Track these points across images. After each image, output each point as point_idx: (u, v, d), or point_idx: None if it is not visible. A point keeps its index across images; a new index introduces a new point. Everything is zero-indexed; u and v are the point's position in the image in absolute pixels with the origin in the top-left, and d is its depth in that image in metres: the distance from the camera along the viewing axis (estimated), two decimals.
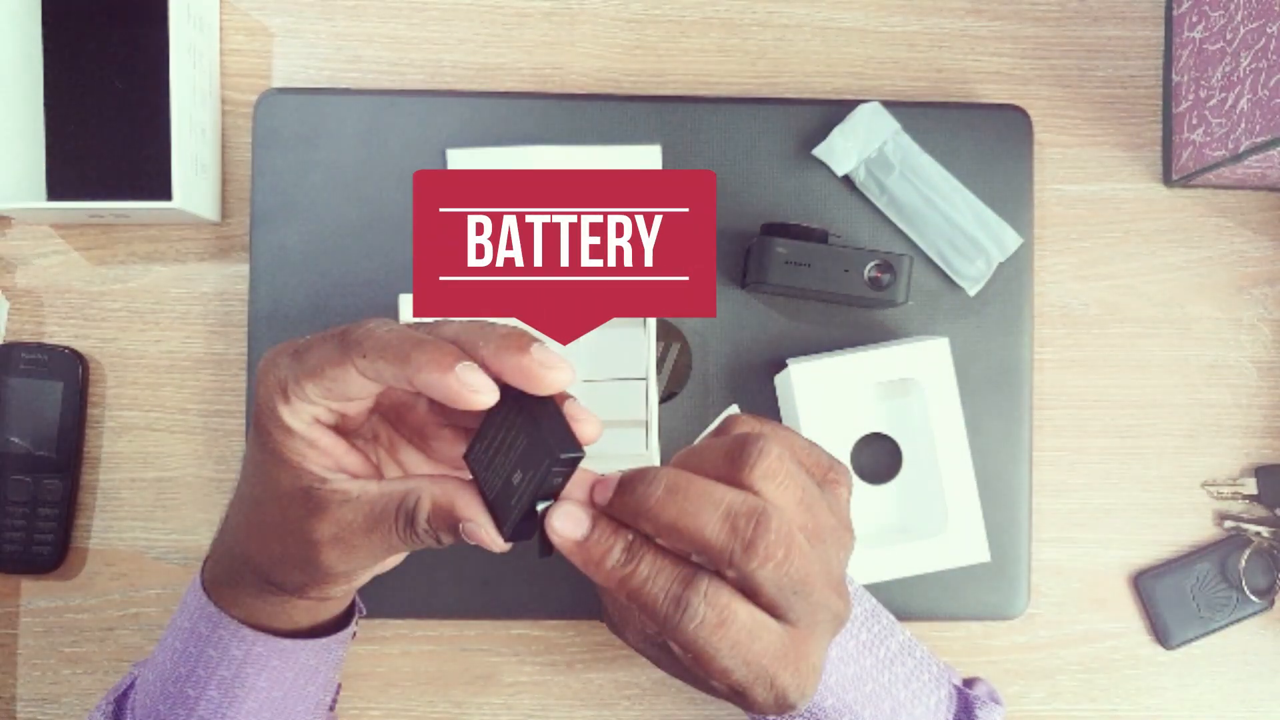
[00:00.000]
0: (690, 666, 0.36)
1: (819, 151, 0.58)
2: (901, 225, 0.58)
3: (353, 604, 0.46)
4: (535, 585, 0.57)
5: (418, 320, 0.37)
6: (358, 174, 0.57)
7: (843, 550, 0.37)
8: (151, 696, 0.43)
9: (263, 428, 0.36)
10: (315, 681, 0.44)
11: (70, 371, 0.57)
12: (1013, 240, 0.58)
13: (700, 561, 0.34)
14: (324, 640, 0.43)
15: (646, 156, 0.58)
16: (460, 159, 0.57)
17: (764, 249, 0.54)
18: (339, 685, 0.48)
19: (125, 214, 0.56)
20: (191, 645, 0.41)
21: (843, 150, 0.57)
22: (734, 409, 0.55)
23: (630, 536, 0.34)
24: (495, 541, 0.35)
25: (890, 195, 0.58)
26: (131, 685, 0.46)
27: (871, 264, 0.54)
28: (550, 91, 0.60)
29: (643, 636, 0.40)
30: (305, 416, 0.36)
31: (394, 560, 0.42)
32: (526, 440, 0.33)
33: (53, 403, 0.57)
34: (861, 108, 0.57)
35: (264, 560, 0.38)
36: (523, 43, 0.60)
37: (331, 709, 0.48)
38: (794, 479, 0.34)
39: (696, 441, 0.43)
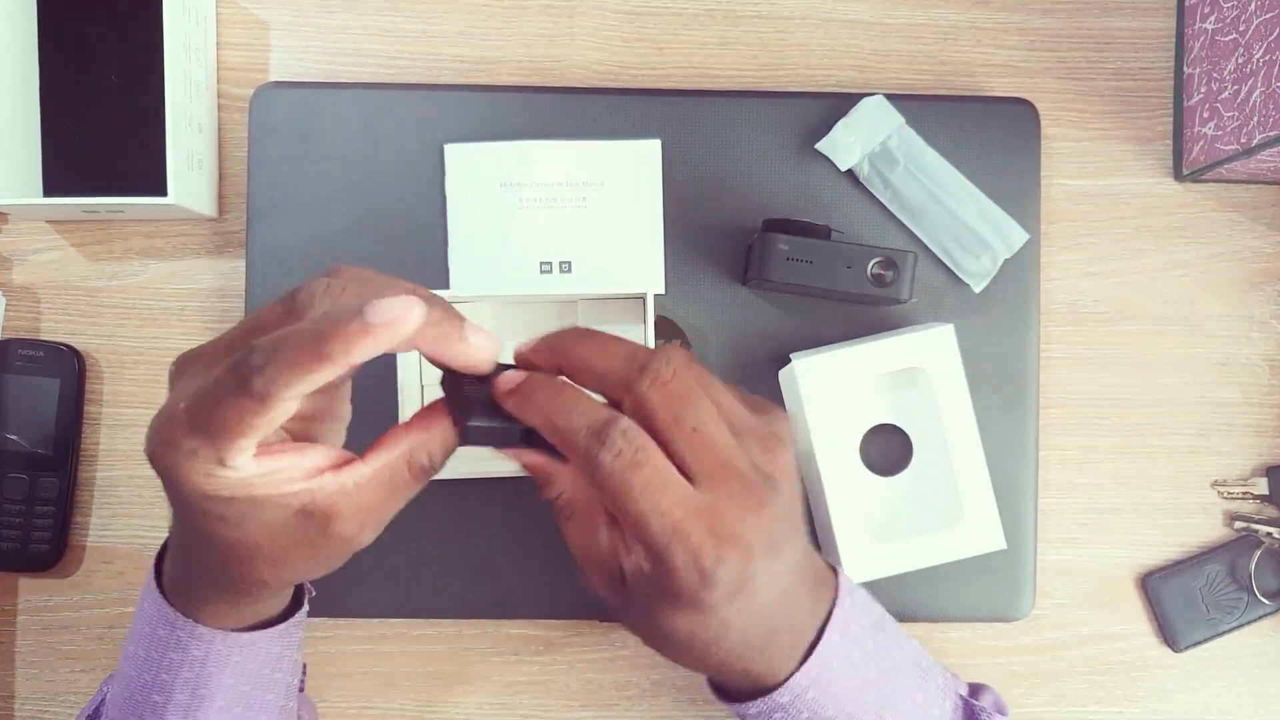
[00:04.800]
0: (617, 518, 0.37)
1: (822, 146, 0.57)
2: (905, 221, 0.57)
3: (300, 585, 0.46)
4: (535, 585, 0.57)
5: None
6: (355, 168, 0.57)
7: (764, 443, 0.38)
8: (121, 709, 0.43)
9: (209, 496, 0.34)
10: (281, 669, 0.43)
11: (67, 368, 0.57)
12: (1019, 236, 0.57)
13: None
14: (281, 627, 0.43)
15: (646, 151, 0.57)
16: (457, 153, 0.57)
17: (765, 245, 0.53)
18: (304, 666, 0.48)
19: (121, 210, 0.55)
20: (153, 650, 0.41)
21: (846, 144, 0.56)
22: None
23: (557, 379, 0.38)
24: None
25: (894, 190, 0.57)
26: (102, 702, 0.46)
27: (875, 261, 0.53)
28: (549, 85, 0.59)
29: (606, 575, 0.39)
30: (246, 461, 0.33)
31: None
32: None
33: (49, 400, 0.57)
34: (865, 101, 0.56)
35: (283, 578, 0.38)
36: (521, 36, 0.60)
37: (300, 690, 0.48)
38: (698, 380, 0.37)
39: None
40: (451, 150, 0.57)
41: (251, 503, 0.34)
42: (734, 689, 0.44)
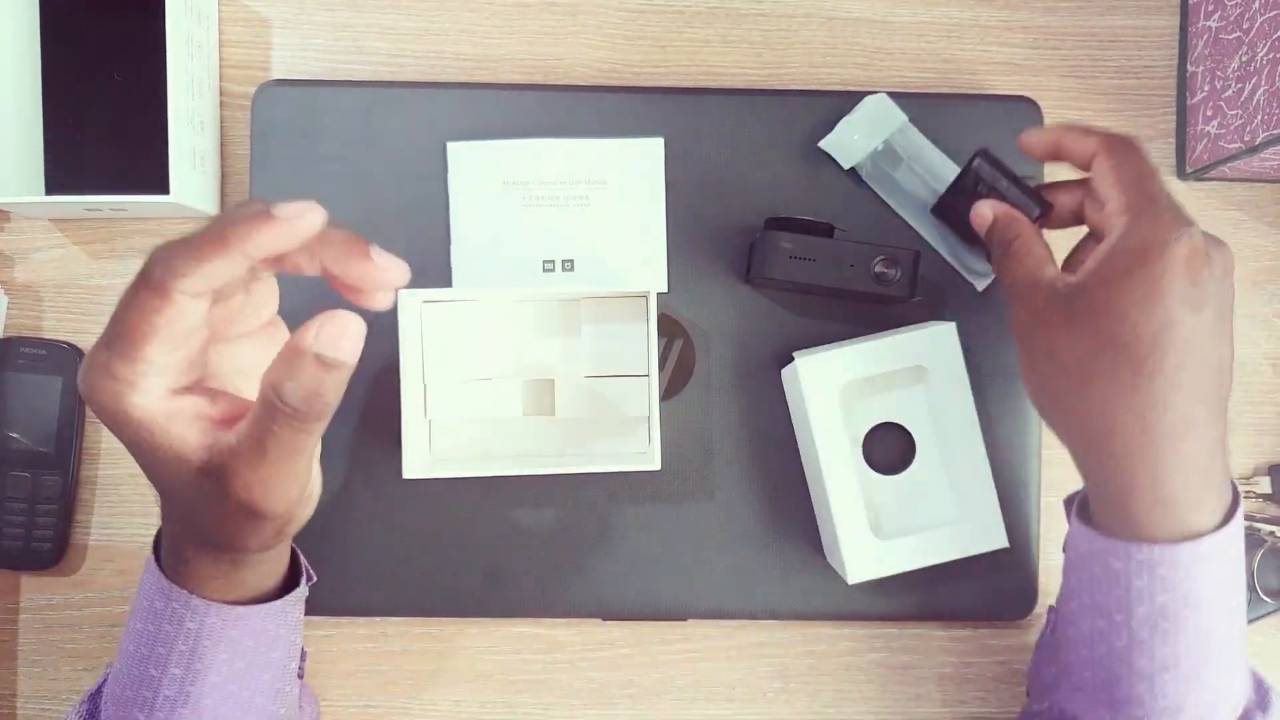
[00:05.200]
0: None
1: (825, 144, 0.57)
2: (909, 219, 0.57)
3: (299, 564, 0.46)
4: (537, 583, 0.57)
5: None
6: (357, 167, 0.57)
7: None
8: (119, 683, 0.42)
9: (131, 434, 0.35)
10: (277, 648, 0.43)
11: (69, 366, 0.57)
12: None
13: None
14: (276, 604, 0.42)
15: (649, 149, 0.57)
16: (460, 152, 0.57)
17: (768, 243, 0.53)
18: (304, 651, 0.47)
19: (123, 208, 0.55)
20: (149, 623, 0.41)
21: (849, 143, 0.56)
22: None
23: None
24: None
25: (897, 188, 0.57)
26: (105, 681, 0.46)
27: (878, 259, 0.53)
28: (551, 83, 0.59)
29: (1047, 293, 0.45)
30: (159, 391, 0.34)
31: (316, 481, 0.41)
32: None
33: (52, 398, 0.57)
34: (868, 99, 0.56)
35: (230, 540, 0.38)
36: (524, 33, 0.60)
37: (300, 676, 0.47)
38: None
39: None
40: (454, 148, 0.57)
41: (158, 449, 0.34)
42: (1107, 515, 0.45)
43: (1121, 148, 0.46)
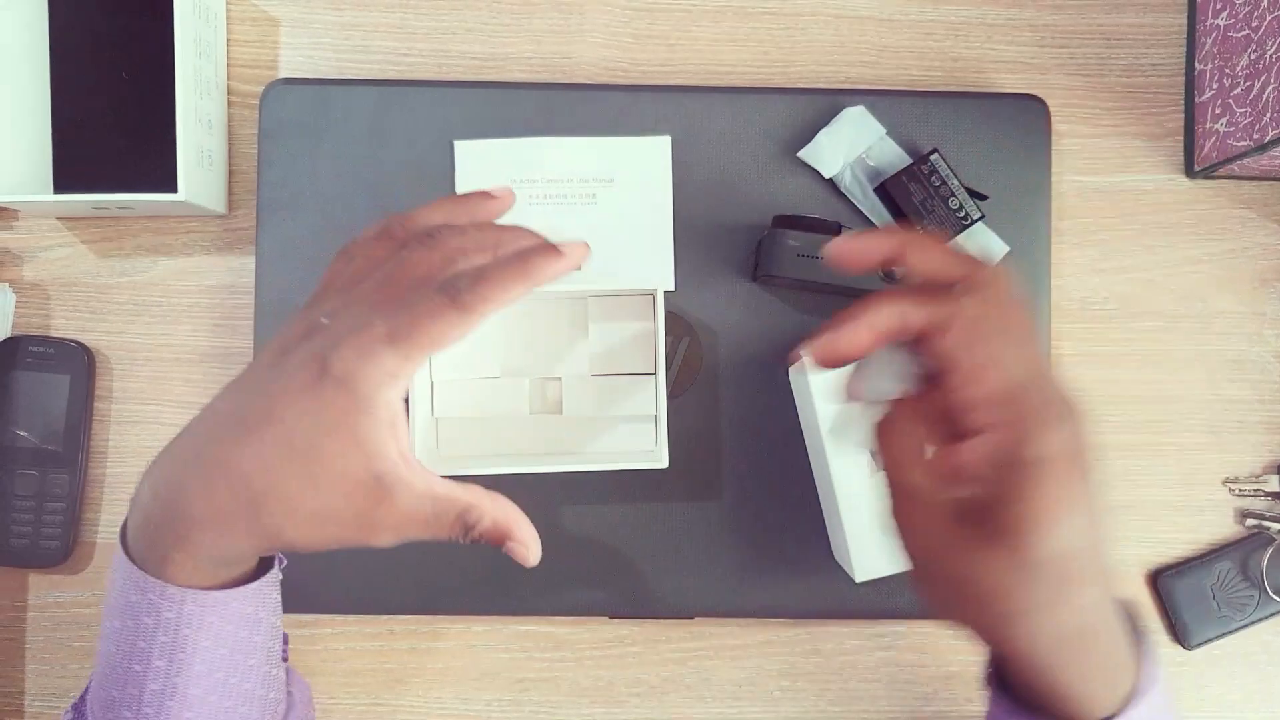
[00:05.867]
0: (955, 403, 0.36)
1: (804, 154, 0.56)
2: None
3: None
4: (545, 582, 0.57)
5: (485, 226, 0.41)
6: (364, 165, 0.57)
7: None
8: (103, 685, 0.42)
9: (358, 419, 0.37)
10: (259, 631, 0.43)
11: (77, 364, 0.57)
12: (999, 248, 0.56)
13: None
14: (253, 586, 0.42)
15: (656, 147, 0.57)
16: (467, 150, 0.57)
17: (775, 241, 0.53)
18: (286, 635, 0.47)
19: (131, 206, 0.55)
20: (127, 619, 0.40)
21: (829, 153, 0.56)
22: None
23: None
24: (533, 559, 0.41)
25: (872, 202, 0.56)
26: (89, 689, 0.46)
27: None
28: (559, 82, 0.59)
29: (930, 511, 0.38)
30: (397, 395, 0.37)
31: None
32: None
33: (59, 396, 0.57)
34: (847, 111, 0.56)
35: (306, 535, 0.38)
36: (531, 32, 0.60)
37: (285, 660, 0.47)
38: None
39: None
40: (461, 147, 0.57)
41: (360, 440, 0.37)
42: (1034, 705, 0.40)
43: (971, 319, 0.36)
